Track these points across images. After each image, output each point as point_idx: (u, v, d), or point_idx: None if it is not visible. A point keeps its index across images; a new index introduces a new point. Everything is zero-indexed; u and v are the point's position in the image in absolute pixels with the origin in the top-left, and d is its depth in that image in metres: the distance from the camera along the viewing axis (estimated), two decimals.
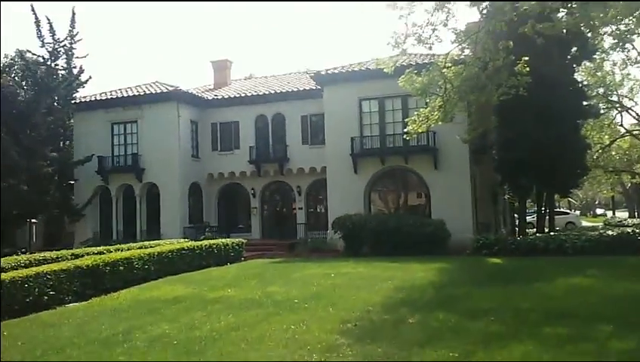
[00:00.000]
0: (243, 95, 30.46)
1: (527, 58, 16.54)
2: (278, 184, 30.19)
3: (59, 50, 31.40)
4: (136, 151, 29.14)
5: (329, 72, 26.07)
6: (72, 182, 30.70)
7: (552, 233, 22.48)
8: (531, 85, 16.69)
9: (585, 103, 24.49)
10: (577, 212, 69.83)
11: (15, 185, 28.09)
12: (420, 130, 16.65)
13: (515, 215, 27.25)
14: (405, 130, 17.05)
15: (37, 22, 30.87)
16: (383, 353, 7.03)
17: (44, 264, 14.29)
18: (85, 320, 10.17)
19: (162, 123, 28.77)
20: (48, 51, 31.21)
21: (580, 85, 24.98)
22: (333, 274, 14.68)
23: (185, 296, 12.14)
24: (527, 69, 16.44)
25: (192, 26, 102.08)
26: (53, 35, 31.34)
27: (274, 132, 29.79)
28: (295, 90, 29.47)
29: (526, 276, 13.76)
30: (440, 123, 16.48)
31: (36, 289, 11.86)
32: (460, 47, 14.90)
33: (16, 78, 33.89)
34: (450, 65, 14.95)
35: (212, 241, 19.99)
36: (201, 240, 21.12)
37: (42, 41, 31.07)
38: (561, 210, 49.55)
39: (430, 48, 14.41)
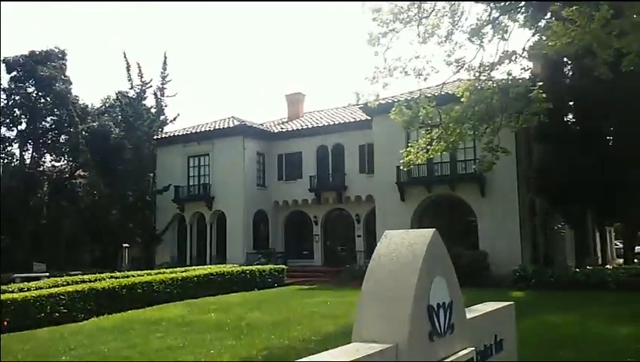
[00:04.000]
0: (305, 127, 31.64)
1: (541, 83, 15.95)
2: (339, 211, 30.81)
3: (145, 90, 34.73)
4: (207, 182, 31.31)
5: (376, 102, 26.34)
6: (153, 211, 33.53)
7: (608, 266, 20.87)
8: None
9: None
10: None
11: (104, 214, 31.43)
12: (418, 161, 16.54)
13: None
14: (401, 160, 17.03)
15: (127, 66, 34.56)
16: None
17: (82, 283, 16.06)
18: (65, 337, 11.50)
19: (230, 155, 30.69)
20: (136, 92, 34.65)
21: None
22: (330, 302, 14.98)
23: (167, 318, 13.17)
24: (544, 95, 15.81)
25: (272, 59, 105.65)
26: (141, 78, 34.85)
27: (333, 161, 30.59)
28: (353, 120, 30.10)
29: (525, 311, 13.09)
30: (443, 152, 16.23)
31: (49, 308, 13.52)
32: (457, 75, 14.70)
33: (116, 117, 38.04)
34: (431, 95, 14.74)
35: (246, 268, 21.02)
36: (253, 266, 22.33)
37: (131, 83, 34.63)
38: None
39: (425, 80, 14.47)
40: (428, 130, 16.68)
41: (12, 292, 13.82)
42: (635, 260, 25.07)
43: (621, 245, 36.32)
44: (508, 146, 21.83)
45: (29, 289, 14.31)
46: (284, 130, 32.50)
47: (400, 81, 53.18)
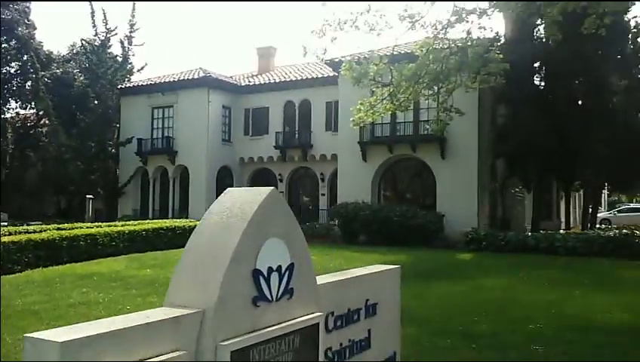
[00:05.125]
0: (272, 81, 30.97)
1: (501, 43, 15.61)
2: (304, 170, 30.53)
3: (109, 38, 33.58)
4: (171, 135, 30.69)
5: (342, 58, 25.79)
6: (116, 163, 32.92)
7: (563, 231, 21.03)
8: None
9: None
10: None
11: (65, 165, 30.75)
12: (368, 119, 16.22)
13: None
14: (351, 118, 16.70)
15: (92, 12, 33.31)
16: None
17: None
18: None
19: (194, 108, 30.01)
20: (101, 40, 33.50)
21: None
22: None
23: (101, 273, 12.91)
24: (501, 55, 15.49)
25: (245, 12, 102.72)
26: (106, 25, 33.63)
27: (300, 118, 30.11)
28: (321, 75, 29.50)
29: (463, 274, 13.11)
30: (391, 112, 15.92)
31: None
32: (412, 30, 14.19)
33: (80, 65, 36.90)
34: (390, 54, 14.35)
35: (196, 222, 20.68)
36: None
37: (96, 30, 33.44)
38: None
39: (378, 35, 13.99)
40: (379, 87, 16.28)
41: None
42: (597, 226, 25.30)
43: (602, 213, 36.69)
44: (471, 109, 21.69)
45: None
46: (251, 84, 31.78)
47: (357, 37, 52.05)
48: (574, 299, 9.23)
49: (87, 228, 17.22)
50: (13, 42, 36.67)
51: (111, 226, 17.83)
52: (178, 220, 21.53)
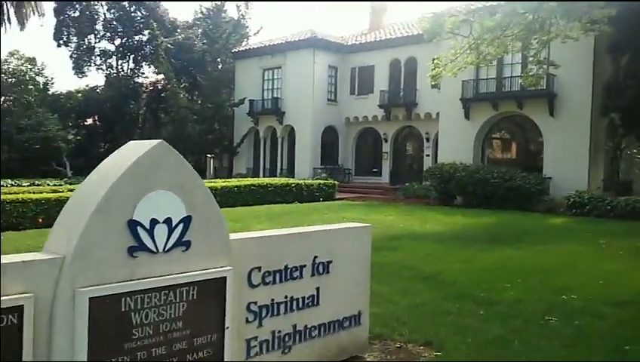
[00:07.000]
0: (377, 39, 30.32)
1: None
2: (409, 129, 29.85)
3: (224, 4, 34.90)
4: (279, 96, 31.45)
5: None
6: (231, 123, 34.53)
7: None
8: None
9: None
10: None
11: (184, 126, 32.88)
12: (448, 75, 15.23)
13: None
14: (429, 74, 15.76)
15: None
16: None
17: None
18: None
19: (300, 69, 30.40)
20: (216, 4, 34.93)
21: None
22: (348, 218, 14.83)
23: None
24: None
25: None
26: None
27: (406, 76, 29.27)
28: None
29: (537, 239, 12.00)
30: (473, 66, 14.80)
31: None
32: None
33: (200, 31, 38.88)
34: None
35: (292, 181, 21.27)
36: (310, 180, 22.76)
37: None
38: None
39: None
40: (458, 41, 15.20)
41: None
42: None
43: None
44: (585, 60, 19.70)
45: None
46: (357, 43, 31.39)
47: None
48: (636, 272, 8.21)
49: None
50: (141, 11, 39.47)
51: (208, 182, 18.90)
52: (269, 178, 22.28)
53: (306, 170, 29.58)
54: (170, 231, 3.53)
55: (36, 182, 25.52)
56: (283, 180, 21.08)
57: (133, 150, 3.53)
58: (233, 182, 19.61)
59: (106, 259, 3.20)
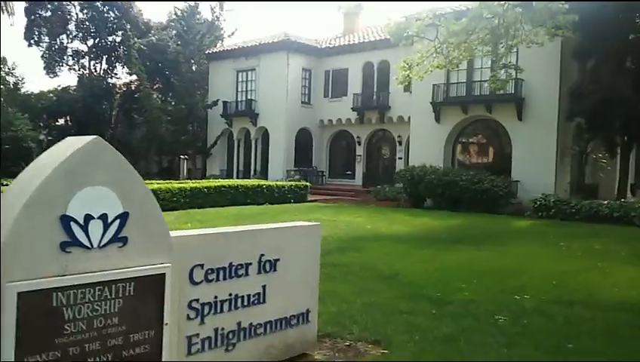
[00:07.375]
0: (350, 43, 30.50)
1: None
2: (382, 132, 30.05)
3: (198, 4, 34.74)
4: (252, 98, 31.42)
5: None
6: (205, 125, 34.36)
7: None
8: None
9: None
10: None
11: (158, 127, 32.64)
12: (416, 78, 15.42)
13: None
14: (395, 77, 15.94)
15: None
16: None
17: None
18: None
19: (274, 71, 30.42)
20: (190, 6, 34.76)
21: None
22: (315, 219, 14.85)
23: None
24: (566, 6, 14.08)
25: None
26: None
27: (379, 79, 29.47)
28: None
29: (499, 240, 12.20)
30: (442, 69, 15.01)
31: None
32: None
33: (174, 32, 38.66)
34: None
35: (263, 182, 21.26)
36: (282, 182, 22.75)
37: None
38: None
39: None
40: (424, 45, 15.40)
41: None
42: None
43: None
44: (552, 65, 20.07)
45: None
46: (331, 46, 31.52)
47: None
48: (590, 272, 8.39)
49: (157, 184, 18.28)
50: (114, 11, 39.07)
51: (172, 183, 18.77)
52: (240, 180, 22.21)
53: (280, 172, 29.58)
54: (106, 227, 3.51)
55: (4, 183, 25.02)
56: (254, 181, 21.06)
57: (69, 145, 3.51)
58: (203, 183, 19.51)
59: (37, 254, 3.17)
